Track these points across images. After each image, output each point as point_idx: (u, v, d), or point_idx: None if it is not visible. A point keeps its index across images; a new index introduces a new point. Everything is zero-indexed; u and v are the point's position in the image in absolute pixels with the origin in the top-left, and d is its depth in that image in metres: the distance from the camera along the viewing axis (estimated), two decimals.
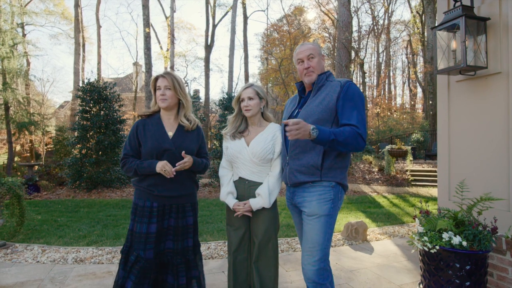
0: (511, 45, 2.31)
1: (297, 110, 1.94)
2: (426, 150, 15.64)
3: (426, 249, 2.22)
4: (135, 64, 24.74)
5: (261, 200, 1.97)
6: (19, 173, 11.68)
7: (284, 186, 2.06)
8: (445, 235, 2.17)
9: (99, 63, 21.22)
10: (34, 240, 4.27)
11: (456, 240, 2.11)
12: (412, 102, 29.25)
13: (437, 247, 2.16)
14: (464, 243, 2.09)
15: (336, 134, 1.64)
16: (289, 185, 1.94)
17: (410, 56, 26.83)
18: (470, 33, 2.39)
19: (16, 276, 3.04)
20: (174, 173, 1.91)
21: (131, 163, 1.96)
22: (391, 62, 29.64)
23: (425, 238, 2.25)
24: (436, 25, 2.59)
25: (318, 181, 1.78)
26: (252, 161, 2.01)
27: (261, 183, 2.02)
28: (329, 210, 1.75)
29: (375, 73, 30.00)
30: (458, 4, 2.44)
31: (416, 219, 2.48)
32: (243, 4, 22.68)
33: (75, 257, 3.54)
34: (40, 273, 3.10)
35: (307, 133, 1.57)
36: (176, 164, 1.93)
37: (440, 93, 2.92)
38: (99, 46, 21.83)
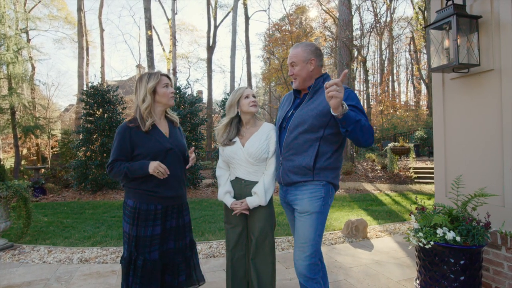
0: (503, 42, 2.34)
1: (291, 111, 1.95)
2: (429, 147, 15.53)
3: (421, 245, 2.26)
4: (138, 66, 24.96)
5: (257, 198, 2.02)
6: (26, 176, 11.87)
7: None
8: (439, 231, 2.20)
9: (102, 66, 21.46)
10: (41, 241, 4.38)
11: (450, 235, 2.15)
12: (416, 99, 29.08)
13: (432, 243, 2.19)
14: (458, 238, 2.12)
15: (361, 117, 1.59)
16: (282, 184, 1.99)
17: (414, 53, 26.68)
18: (462, 31, 2.41)
19: (23, 276, 3.14)
20: (168, 173, 1.86)
21: (120, 166, 1.86)
22: (394, 59, 29.49)
23: (420, 234, 2.29)
24: (429, 23, 2.62)
25: (310, 181, 1.83)
26: (248, 161, 2.07)
27: (257, 182, 2.07)
28: (320, 208, 1.80)
29: (378, 70, 29.86)
30: (450, 3, 2.47)
31: (412, 215, 2.51)
32: (244, 4, 22.72)
33: (80, 257, 3.62)
34: (46, 273, 3.19)
35: (341, 100, 1.49)
36: (190, 160, 2.10)
37: (435, 90, 2.95)
38: (102, 50, 22.09)
